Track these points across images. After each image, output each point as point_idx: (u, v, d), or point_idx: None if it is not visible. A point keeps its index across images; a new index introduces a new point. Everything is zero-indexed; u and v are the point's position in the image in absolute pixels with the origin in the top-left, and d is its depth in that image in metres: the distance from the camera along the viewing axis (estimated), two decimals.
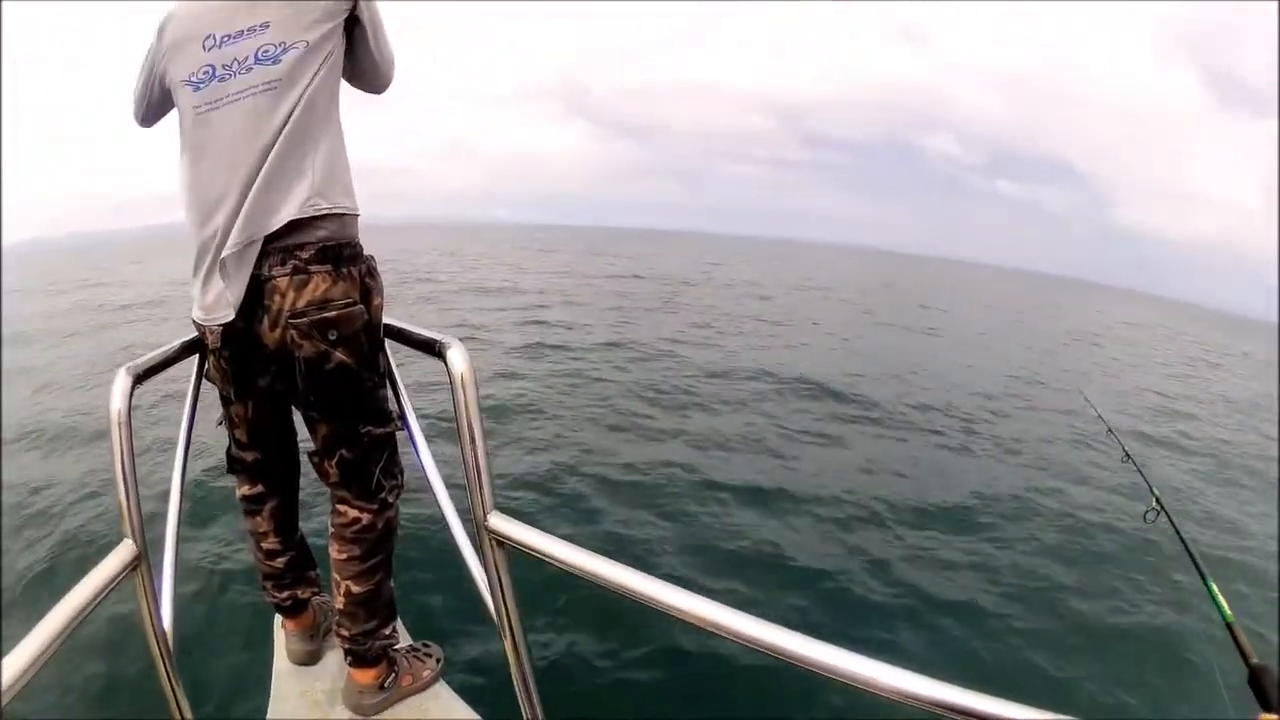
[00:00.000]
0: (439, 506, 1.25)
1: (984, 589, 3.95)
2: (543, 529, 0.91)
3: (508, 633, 0.99)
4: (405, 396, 1.39)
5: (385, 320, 1.30)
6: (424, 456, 1.32)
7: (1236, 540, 5.19)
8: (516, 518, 0.94)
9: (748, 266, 37.08)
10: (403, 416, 1.38)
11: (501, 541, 0.93)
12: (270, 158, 1.15)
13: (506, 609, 0.98)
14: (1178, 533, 1.63)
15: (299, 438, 1.45)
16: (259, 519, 1.45)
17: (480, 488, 0.96)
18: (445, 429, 1.09)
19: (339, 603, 1.39)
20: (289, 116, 1.16)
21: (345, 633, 1.39)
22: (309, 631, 1.55)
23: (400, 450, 1.39)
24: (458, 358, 1.05)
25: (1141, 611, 3.89)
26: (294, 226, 1.17)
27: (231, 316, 1.20)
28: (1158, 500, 1.95)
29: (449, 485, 1.28)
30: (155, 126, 1.40)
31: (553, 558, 0.85)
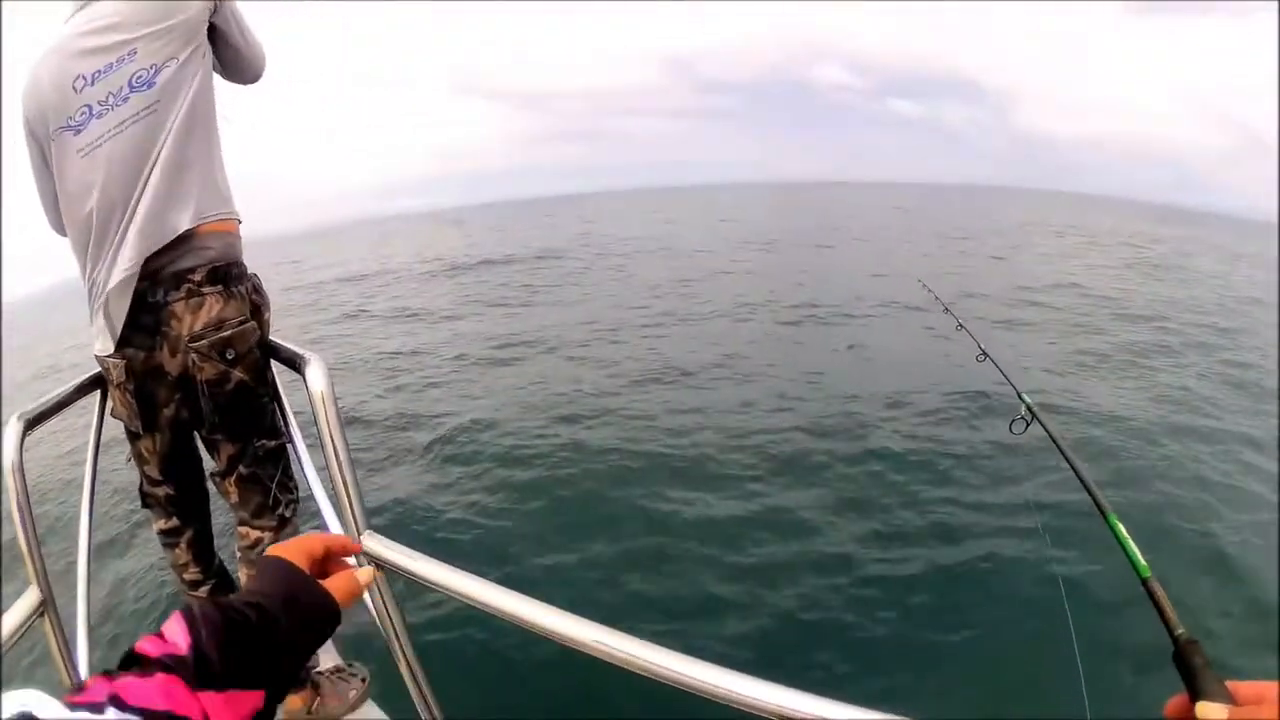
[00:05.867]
0: (324, 522, 1.22)
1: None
2: (424, 546, 0.88)
3: (400, 654, 1.00)
4: (289, 410, 1.35)
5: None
6: (309, 472, 1.29)
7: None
8: (401, 532, 0.92)
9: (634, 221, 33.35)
10: (288, 430, 1.35)
11: (379, 564, 0.94)
12: (155, 182, 1.17)
13: (395, 628, 0.98)
14: (1060, 449, 1.13)
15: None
16: (178, 551, 1.47)
17: (351, 508, 0.91)
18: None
19: None
20: (169, 136, 1.18)
21: None
22: None
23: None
24: (317, 375, 0.99)
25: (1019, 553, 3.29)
26: (184, 250, 1.20)
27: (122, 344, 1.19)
28: (1028, 407, 1.43)
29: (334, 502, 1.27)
30: None
31: (428, 580, 0.83)
